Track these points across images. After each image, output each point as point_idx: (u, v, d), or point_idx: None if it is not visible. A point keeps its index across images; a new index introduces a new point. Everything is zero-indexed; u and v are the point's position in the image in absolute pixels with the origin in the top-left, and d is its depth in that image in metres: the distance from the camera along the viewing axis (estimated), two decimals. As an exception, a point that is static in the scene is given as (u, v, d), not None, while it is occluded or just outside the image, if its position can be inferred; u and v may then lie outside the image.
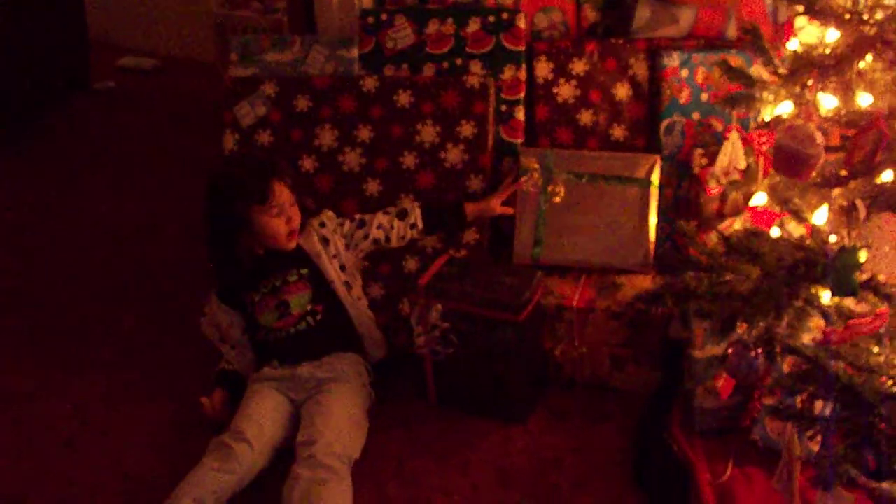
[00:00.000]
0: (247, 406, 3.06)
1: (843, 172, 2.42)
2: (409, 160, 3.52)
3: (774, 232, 2.66)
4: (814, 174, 2.41)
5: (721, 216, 3.33)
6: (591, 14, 3.71)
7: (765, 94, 2.62)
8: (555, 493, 2.91)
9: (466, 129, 3.50)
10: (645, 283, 3.31)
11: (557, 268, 3.44)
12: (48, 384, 3.50)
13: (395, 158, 3.54)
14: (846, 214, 2.44)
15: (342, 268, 3.32)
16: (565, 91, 3.60)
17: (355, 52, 3.68)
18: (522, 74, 3.60)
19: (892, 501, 2.47)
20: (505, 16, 3.60)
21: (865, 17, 2.33)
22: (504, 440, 3.13)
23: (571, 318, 3.25)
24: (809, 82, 2.44)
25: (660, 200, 3.44)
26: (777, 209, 2.73)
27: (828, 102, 2.50)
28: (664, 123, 3.50)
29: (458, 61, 3.63)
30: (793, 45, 2.65)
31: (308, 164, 3.57)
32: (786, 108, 2.63)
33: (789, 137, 2.37)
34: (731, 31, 3.55)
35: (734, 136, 3.02)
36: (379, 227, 3.37)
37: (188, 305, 3.62)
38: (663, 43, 3.57)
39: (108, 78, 6.33)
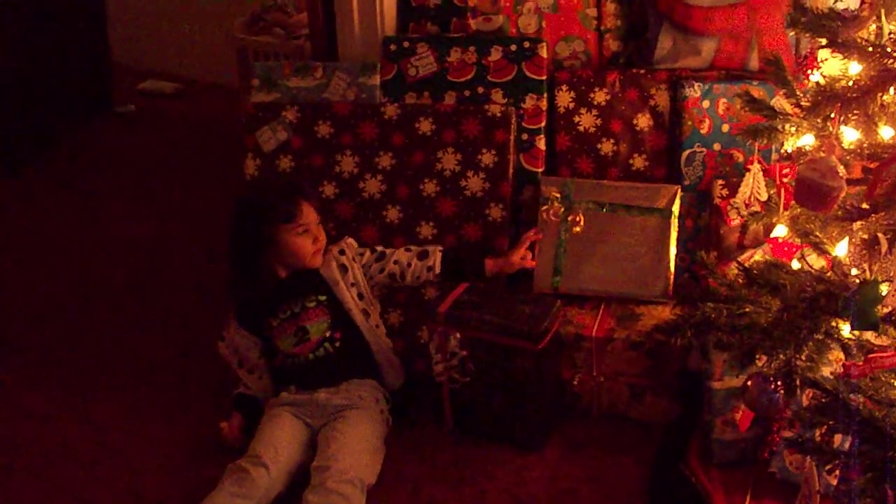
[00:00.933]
0: (264, 431, 3.06)
1: (865, 205, 2.41)
2: (429, 188, 3.53)
3: (795, 264, 2.66)
4: (835, 207, 2.40)
5: (741, 247, 3.32)
6: (612, 44, 3.72)
7: (787, 126, 2.61)
8: (571, 522, 2.91)
9: (487, 158, 3.50)
10: (664, 313, 3.29)
11: (577, 297, 3.44)
12: (67, 405, 3.51)
13: (415, 186, 3.54)
14: (867, 248, 2.42)
15: (360, 296, 3.32)
16: (586, 120, 3.61)
17: (377, 80, 3.69)
18: (544, 103, 3.60)
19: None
20: (527, 45, 3.61)
21: (889, 49, 2.33)
22: (520, 468, 3.12)
23: (590, 348, 3.25)
24: (832, 115, 2.43)
25: (680, 231, 3.44)
26: (798, 241, 2.73)
27: (850, 135, 2.49)
28: (685, 154, 3.50)
29: (480, 90, 3.63)
30: (815, 77, 2.65)
31: (329, 190, 3.58)
32: (808, 141, 2.63)
33: (811, 170, 2.36)
34: (753, 63, 3.54)
35: (755, 167, 3.01)
36: (396, 262, 3.37)
37: (206, 329, 3.62)
38: (685, 73, 3.57)
39: (129, 101, 6.34)
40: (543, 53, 3.60)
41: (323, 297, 3.27)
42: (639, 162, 3.59)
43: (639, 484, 3.03)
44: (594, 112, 3.60)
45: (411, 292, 3.47)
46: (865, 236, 2.43)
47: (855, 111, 2.39)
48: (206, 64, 6.57)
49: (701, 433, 3.03)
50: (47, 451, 3.30)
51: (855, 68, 2.43)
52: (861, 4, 2.45)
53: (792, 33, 3.36)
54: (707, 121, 3.48)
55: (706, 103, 3.48)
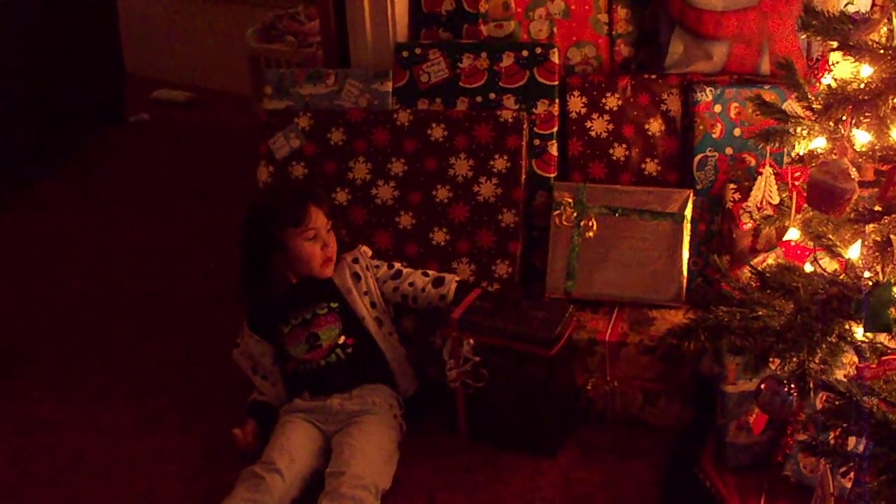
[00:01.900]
0: (278, 437, 3.07)
1: (878, 208, 2.41)
2: (442, 193, 3.53)
3: (808, 267, 2.65)
4: (847, 209, 2.40)
5: (754, 251, 3.31)
6: (624, 49, 3.73)
7: (798, 129, 2.61)
8: (585, 527, 2.91)
9: (499, 163, 3.51)
10: (677, 317, 3.29)
11: (589, 302, 3.44)
12: (80, 413, 3.52)
13: (428, 192, 3.55)
14: (880, 250, 2.42)
15: (373, 304, 3.32)
16: (598, 126, 3.61)
17: (389, 86, 3.70)
18: (556, 109, 3.60)
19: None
20: (538, 50, 3.61)
21: (900, 52, 2.33)
22: (534, 474, 3.12)
23: (603, 353, 3.25)
24: (843, 117, 2.43)
25: (692, 235, 3.44)
26: (810, 244, 2.72)
27: (862, 137, 2.49)
28: (697, 158, 3.49)
29: (492, 95, 3.64)
30: (827, 80, 2.65)
31: (341, 196, 3.59)
32: (819, 143, 2.63)
33: (823, 172, 2.36)
34: (765, 67, 3.54)
35: (767, 171, 3.01)
36: (411, 284, 3.35)
37: (219, 336, 3.63)
38: (696, 78, 3.57)
39: (142, 110, 6.36)
40: (555, 59, 3.60)
41: (335, 304, 3.27)
42: (651, 167, 3.59)
43: (653, 488, 3.02)
44: (606, 117, 3.61)
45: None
46: (878, 238, 2.43)
47: (867, 114, 2.38)
48: (218, 72, 6.58)
49: (714, 437, 3.03)
50: (61, 460, 3.31)
51: (866, 71, 2.43)
52: (872, 7, 2.45)
53: (803, 36, 3.37)
54: (719, 125, 3.48)
55: (718, 107, 3.48)
